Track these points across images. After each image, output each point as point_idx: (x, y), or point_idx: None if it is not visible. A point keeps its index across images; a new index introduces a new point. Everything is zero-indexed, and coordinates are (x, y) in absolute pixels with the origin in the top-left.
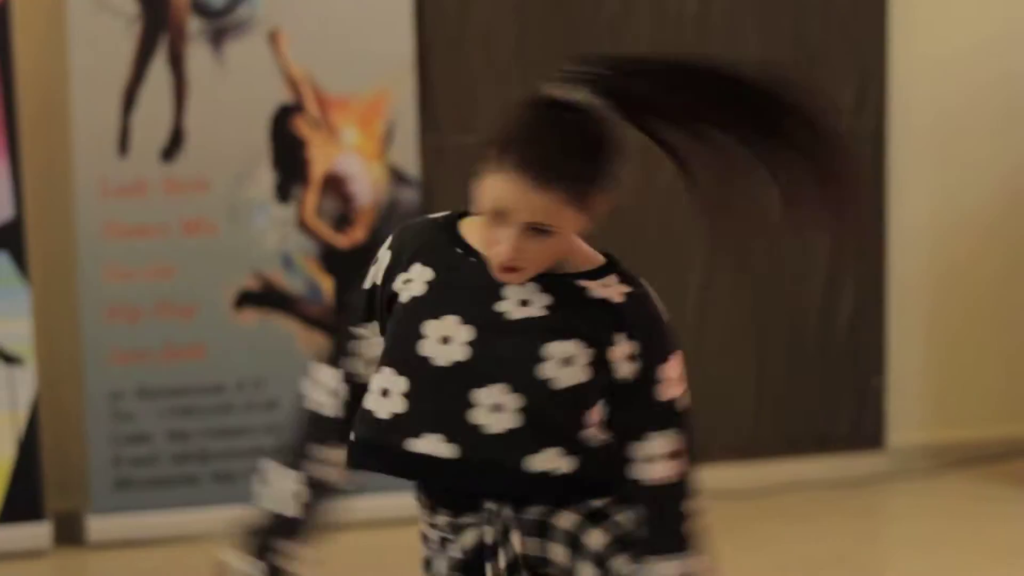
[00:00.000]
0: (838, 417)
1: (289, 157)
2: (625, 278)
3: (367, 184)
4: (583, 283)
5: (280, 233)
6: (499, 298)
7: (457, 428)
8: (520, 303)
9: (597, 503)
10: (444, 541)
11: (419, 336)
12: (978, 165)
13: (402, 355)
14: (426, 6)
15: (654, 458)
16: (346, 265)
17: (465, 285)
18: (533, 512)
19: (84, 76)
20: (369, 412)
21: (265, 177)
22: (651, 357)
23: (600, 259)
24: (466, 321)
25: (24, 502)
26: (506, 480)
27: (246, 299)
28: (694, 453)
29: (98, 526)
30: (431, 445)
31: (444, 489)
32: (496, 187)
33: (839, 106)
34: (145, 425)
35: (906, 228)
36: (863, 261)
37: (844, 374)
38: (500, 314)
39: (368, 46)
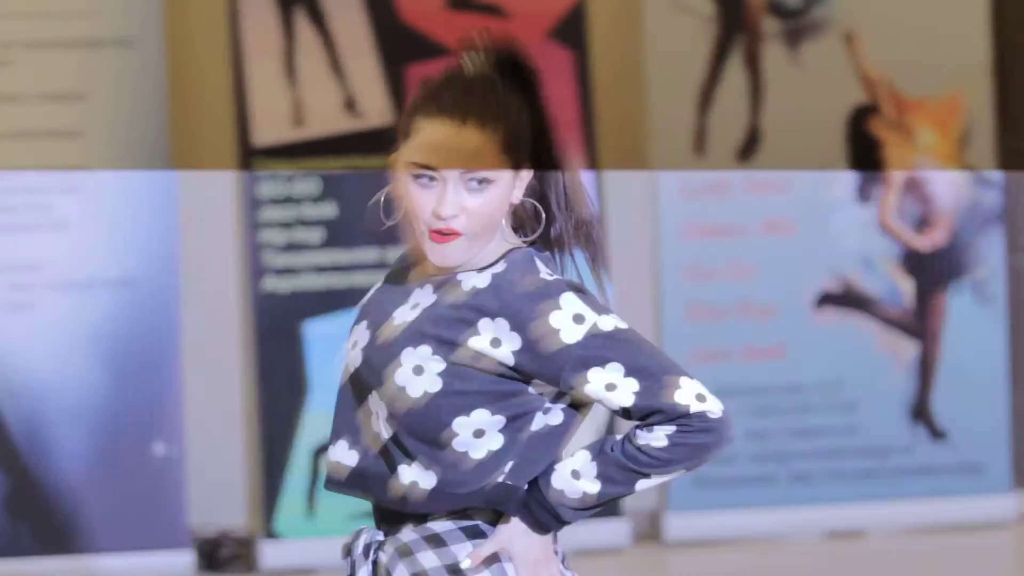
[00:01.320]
0: None
1: (866, 158)
2: (516, 261)
3: (947, 186)
4: (461, 276)
5: (860, 234)
6: (403, 302)
7: (356, 435)
8: (412, 307)
9: (437, 526)
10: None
11: (351, 344)
12: None
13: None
14: (1005, 7)
15: (605, 397)
16: (926, 267)
17: (388, 292)
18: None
19: (660, 75)
20: None
21: (843, 178)
22: (521, 325)
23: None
24: (368, 326)
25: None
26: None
27: (827, 299)
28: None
29: (677, 524)
30: (339, 452)
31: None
32: (425, 134)
33: None
34: None
35: None
36: None
37: None
38: (391, 318)
39: (944, 47)
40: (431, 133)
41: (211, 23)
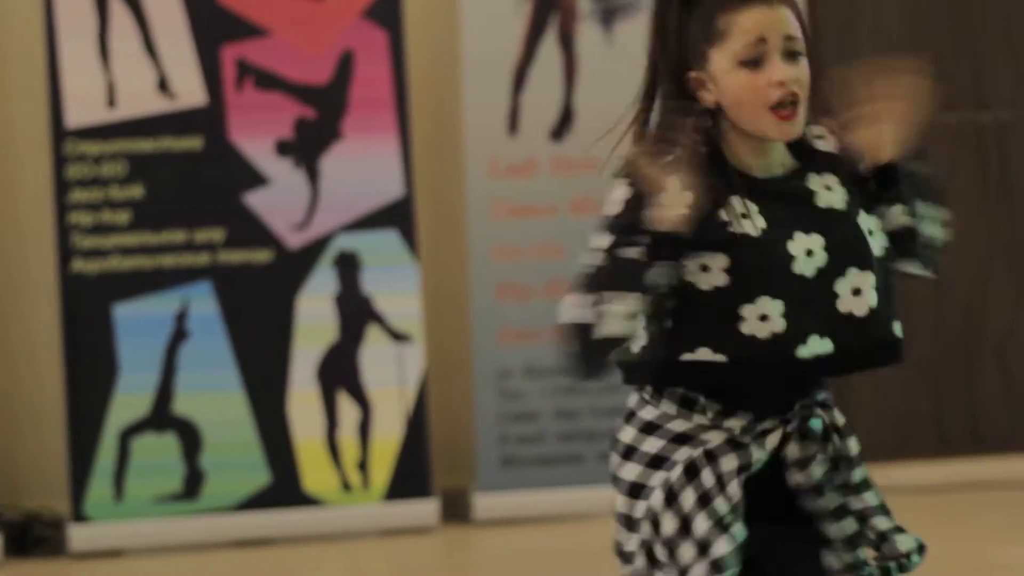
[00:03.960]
0: None
1: None
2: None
3: None
4: (822, 147)
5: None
6: (812, 193)
7: (832, 322)
8: (825, 188)
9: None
10: (733, 445)
11: (789, 258)
12: None
13: (775, 279)
14: None
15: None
16: None
17: (782, 201)
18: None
19: (475, 55)
20: (749, 337)
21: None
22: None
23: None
24: (810, 230)
25: (411, 479)
26: (882, 352)
27: None
28: None
29: (484, 503)
30: (816, 346)
31: (753, 393)
32: (746, 23)
33: None
34: (532, 404)
35: None
36: None
37: None
38: (827, 209)
39: None
40: (747, 21)
41: (25, 4)
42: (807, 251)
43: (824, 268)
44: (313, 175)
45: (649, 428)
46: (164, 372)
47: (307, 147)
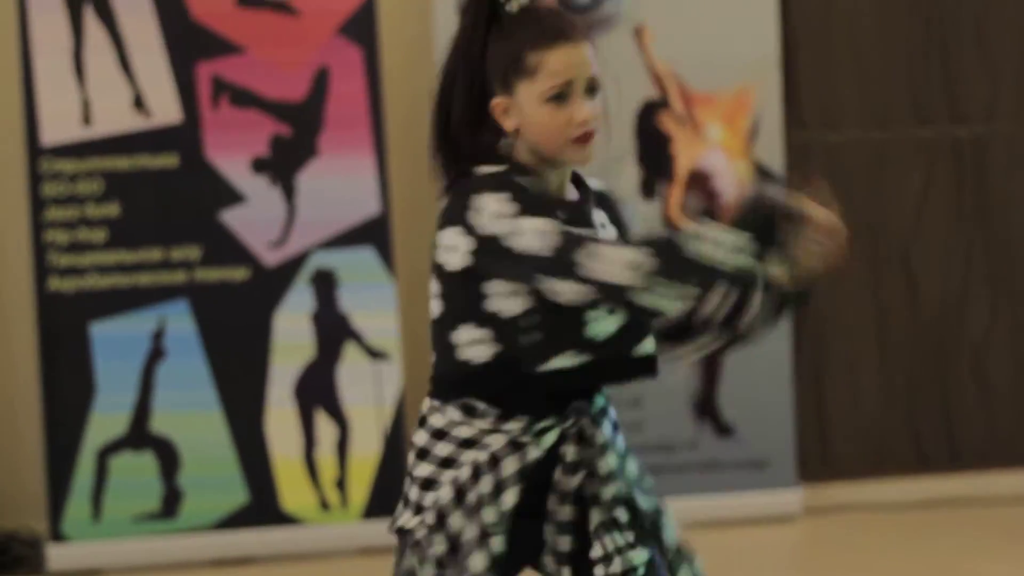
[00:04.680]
0: None
1: (654, 153)
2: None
3: (732, 181)
4: (594, 185)
5: (644, 229)
6: (594, 226)
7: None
8: (601, 225)
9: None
10: (514, 446)
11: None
12: None
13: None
14: (792, 2)
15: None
16: None
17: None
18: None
19: None
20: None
21: (630, 173)
22: None
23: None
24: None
25: (390, 497)
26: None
27: None
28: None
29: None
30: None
31: (523, 404)
32: (555, 65)
33: None
34: None
35: None
36: None
37: None
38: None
39: (733, 43)
40: (556, 63)
41: None
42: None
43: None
44: (289, 192)
45: (439, 434)
46: (141, 391)
47: (283, 164)
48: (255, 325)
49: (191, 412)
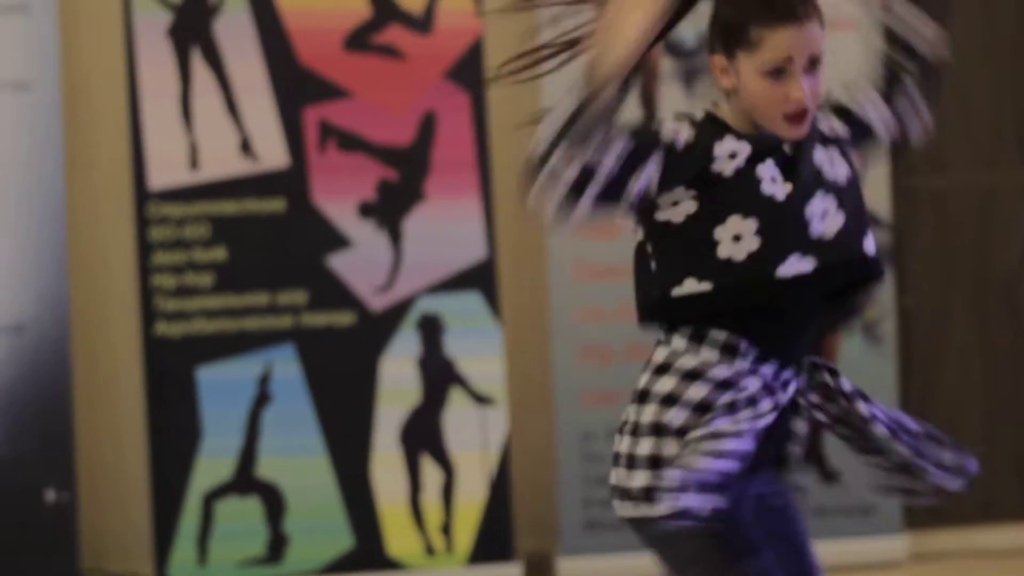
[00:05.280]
0: None
1: None
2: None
3: None
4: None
5: None
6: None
7: (808, 242)
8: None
9: None
10: (769, 391)
11: (756, 181)
12: None
13: (744, 200)
14: None
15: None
16: None
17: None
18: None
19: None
20: (726, 260)
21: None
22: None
23: None
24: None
25: (495, 542)
26: (860, 268)
27: None
28: None
29: (568, 567)
30: (796, 264)
31: (776, 341)
32: (779, 42)
33: None
34: None
35: None
36: None
37: None
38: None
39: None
40: (779, 40)
41: (108, 66)
42: (771, 177)
43: (791, 194)
44: (396, 237)
45: (692, 375)
46: (247, 435)
47: (390, 209)
48: (361, 370)
49: (297, 457)
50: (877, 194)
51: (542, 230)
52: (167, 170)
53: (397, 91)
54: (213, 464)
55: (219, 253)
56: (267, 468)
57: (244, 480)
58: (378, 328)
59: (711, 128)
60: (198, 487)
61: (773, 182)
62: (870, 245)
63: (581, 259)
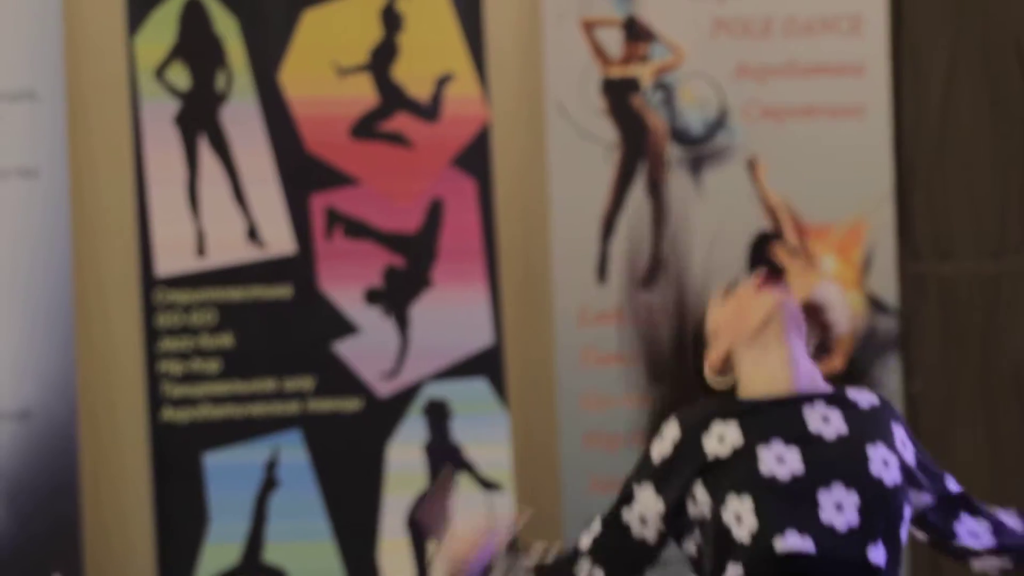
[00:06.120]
0: None
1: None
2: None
3: (846, 313)
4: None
5: None
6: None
7: (813, 526)
8: (823, 420)
9: None
10: None
11: (756, 460)
12: None
13: (741, 479)
14: (904, 133)
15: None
16: None
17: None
18: None
19: (563, 203)
20: (740, 543)
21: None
22: (912, 438)
23: None
24: (788, 442)
25: None
26: (858, 571)
27: None
28: None
29: None
30: (795, 542)
31: None
32: (753, 306)
33: None
34: None
35: None
36: None
37: None
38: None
39: (846, 174)
40: (758, 298)
41: (115, 152)
42: (777, 457)
43: (801, 477)
44: (403, 323)
45: None
46: (255, 521)
47: (397, 295)
48: (368, 456)
49: (304, 542)
50: (884, 280)
51: (548, 315)
52: (174, 257)
53: (404, 178)
54: (220, 550)
55: (226, 339)
56: (274, 554)
57: (251, 565)
58: (385, 414)
59: (700, 417)
60: (205, 572)
61: (779, 462)
62: (877, 556)
63: (588, 345)
